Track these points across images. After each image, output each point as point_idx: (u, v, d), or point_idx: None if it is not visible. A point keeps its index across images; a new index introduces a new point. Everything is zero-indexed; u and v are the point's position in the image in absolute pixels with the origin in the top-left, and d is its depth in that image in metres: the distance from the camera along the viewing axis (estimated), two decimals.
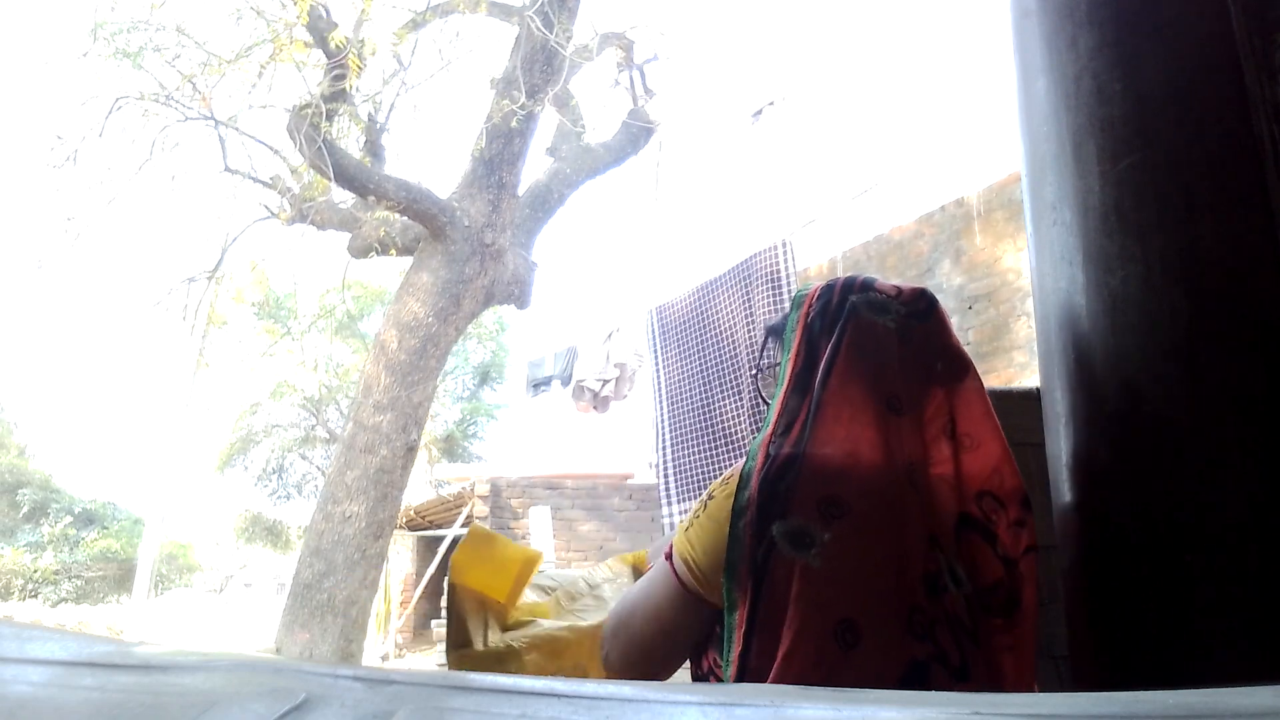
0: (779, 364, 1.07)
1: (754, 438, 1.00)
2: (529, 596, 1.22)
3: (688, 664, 1.17)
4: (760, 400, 1.18)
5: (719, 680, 0.96)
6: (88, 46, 5.76)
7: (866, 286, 1.01)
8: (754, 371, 1.27)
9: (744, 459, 0.96)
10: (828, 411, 0.93)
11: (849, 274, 1.06)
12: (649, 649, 1.03)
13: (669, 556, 1.00)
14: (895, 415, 0.94)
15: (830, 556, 0.86)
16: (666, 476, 5.09)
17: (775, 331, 1.13)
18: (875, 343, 0.97)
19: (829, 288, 1.03)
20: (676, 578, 0.98)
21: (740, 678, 0.88)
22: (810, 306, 1.02)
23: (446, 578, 1.21)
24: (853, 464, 0.91)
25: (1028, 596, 0.92)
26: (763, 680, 0.86)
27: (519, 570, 1.22)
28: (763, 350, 1.17)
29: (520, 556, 1.23)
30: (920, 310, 1.00)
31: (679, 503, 4.98)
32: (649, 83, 7.25)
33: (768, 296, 4.59)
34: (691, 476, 4.88)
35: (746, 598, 0.89)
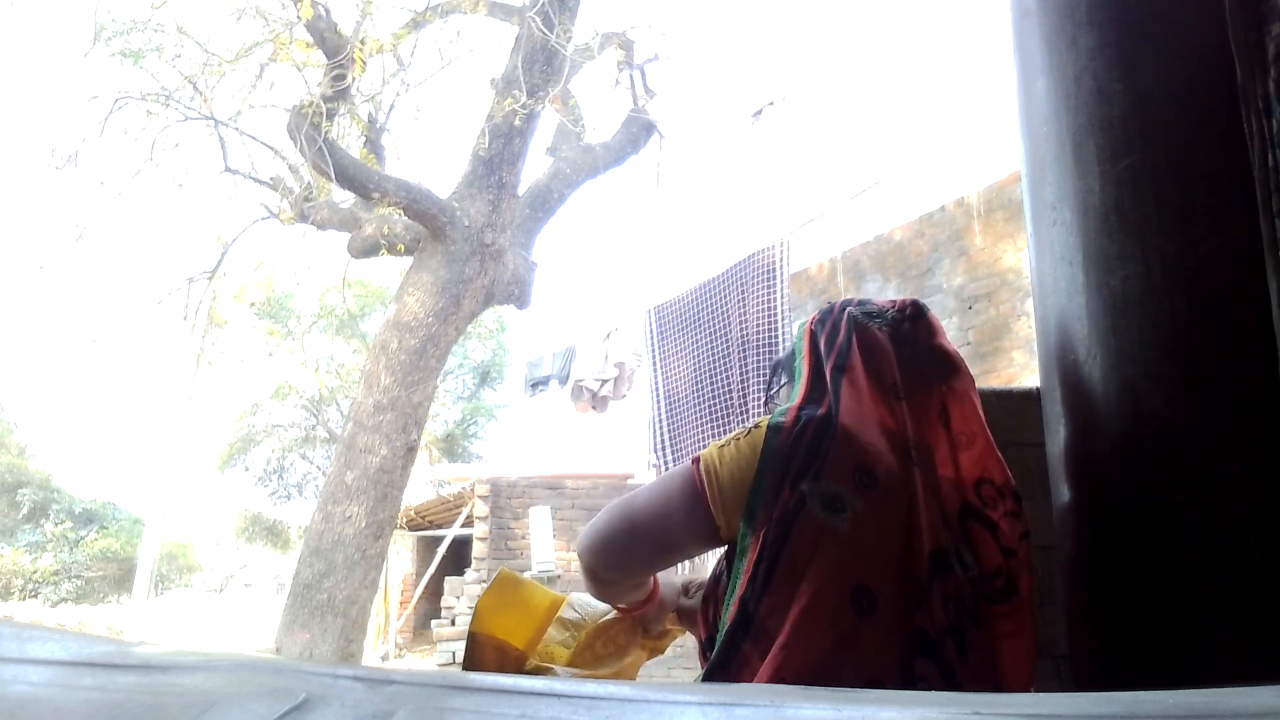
0: (785, 385, 1.17)
1: (776, 407, 1.05)
2: (553, 635, 1.20)
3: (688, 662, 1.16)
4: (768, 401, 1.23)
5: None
6: (89, 47, 5.76)
7: (862, 302, 1.12)
8: (764, 399, 1.31)
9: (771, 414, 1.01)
10: (847, 392, 0.99)
11: (852, 288, 1.14)
12: (639, 528, 1.02)
13: (695, 461, 1.01)
14: (897, 401, 1.01)
15: (858, 524, 0.91)
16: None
17: (780, 364, 1.22)
18: (875, 344, 1.05)
19: (829, 305, 1.13)
20: (698, 482, 0.99)
21: (744, 624, 0.90)
22: (813, 323, 1.12)
23: (469, 625, 1.19)
24: (876, 439, 0.96)
25: (1024, 583, 0.96)
26: (768, 631, 0.88)
27: (544, 616, 1.19)
28: (770, 383, 1.24)
29: (547, 602, 1.21)
30: (910, 316, 1.09)
31: None
32: (649, 83, 7.25)
33: (761, 294, 4.59)
34: None
35: (758, 545, 0.92)
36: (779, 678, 0.86)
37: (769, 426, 0.97)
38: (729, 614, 0.92)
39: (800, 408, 0.99)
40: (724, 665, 0.90)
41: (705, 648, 1.04)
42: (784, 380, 1.18)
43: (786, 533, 0.91)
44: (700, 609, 1.07)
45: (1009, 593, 0.95)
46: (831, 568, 0.89)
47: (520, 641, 1.17)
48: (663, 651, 1.29)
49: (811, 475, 0.92)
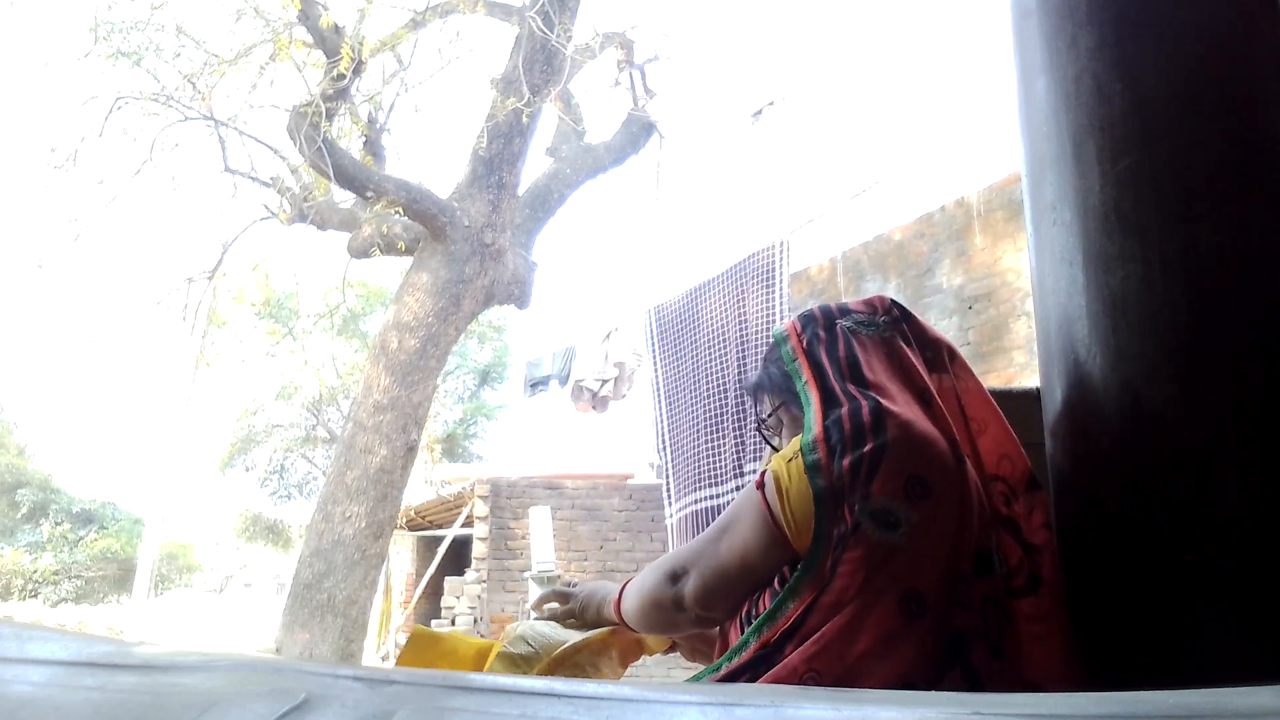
0: (779, 406, 1.11)
1: (770, 432, 1.05)
2: (499, 670, 1.12)
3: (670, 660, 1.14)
4: (768, 446, 1.18)
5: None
6: (88, 46, 5.76)
7: (845, 311, 1.07)
8: (755, 424, 1.26)
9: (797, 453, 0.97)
10: (883, 399, 0.95)
11: (821, 304, 1.12)
12: (731, 576, 1.01)
13: (760, 485, 0.99)
14: (929, 406, 0.99)
15: (914, 535, 0.89)
16: (667, 476, 5.08)
17: (760, 387, 1.16)
18: (882, 349, 1.03)
19: (809, 317, 1.07)
20: (766, 505, 0.98)
21: (781, 647, 0.88)
22: (800, 335, 1.06)
23: None
24: (930, 443, 0.94)
25: (1048, 578, 0.95)
26: (808, 632, 0.87)
27: (470, 665, 1.14)
28: (757, 408, 1.19)
29: (472, 651, 1.16)
30: (897, 316, 1.08)
31: (678, 500, 4.97)
32: (649, 83, 7.25)
33: (760, 294, 4.60)
34: (690, 475, 4.87)
35: (817, 588, 0.90)
36: (809, 667, 0.85)
37: (808, 467, 0.94)
38: (775, 626, 0.90)
39: (825, 434, 0.94)
40: (755, 668, 0.89)
41: (743, 624, 1.01)
42: (778, 401, 1.11)
43: (840, 554, 0.89)
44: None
45: (1032, 587, 0.94)
46: (886, 580, 0.87)
47: None
48: (635, 660, 1.24)
49: (860, 495, 0.89)
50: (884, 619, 0.86)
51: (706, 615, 1.05)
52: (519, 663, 1.13)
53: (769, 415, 1.15)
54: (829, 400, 0.97)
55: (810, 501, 0.93)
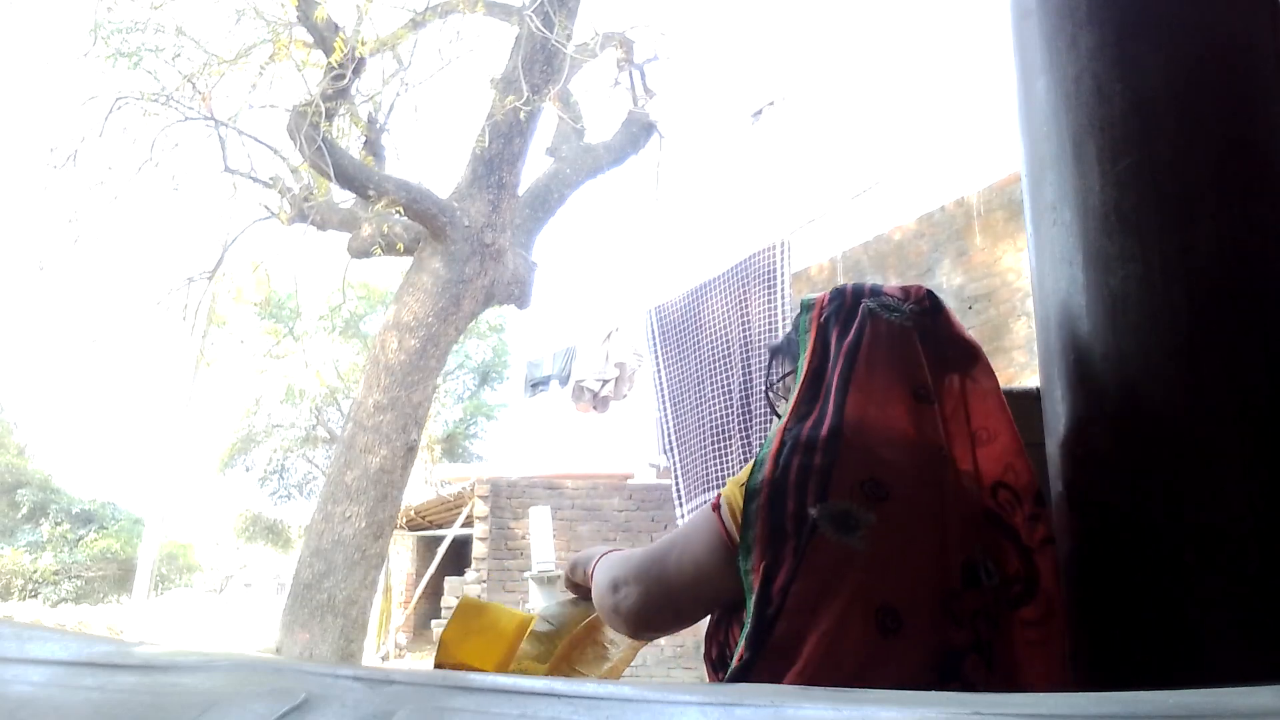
0: (789, 374, 1.10)
1: (778, 397, 1.04)
2: (526, 651, 1.17)
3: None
4: (771, 411, 1.17)
5: (729, 655, 0.94)
6: (87, 47, 5.76)
7: (876, 291, 1.05)
8: (764, 387, 1.25)
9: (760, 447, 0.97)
10: (856, 396, 0.94)
11: (855, 281, 1.10)
12: (676, 594, 1.00)
13: (716, 506, 0.98)
14: (923, 404, 0.97)
15: (875, 540, 0.87)
16: (676, 477, 5.09)
17: (779, 350, 1.15)
18: (895, 338, 1.00)
19: (840, 292, 1.06)
20: (722, 525, 0.96)
21: (757, 657, 0.87)
22: (822, 309, 1.05)
23: (434, 658, 1.17)
24: (891, 446, 0.92)
25: (1046, 586, 0.93)
26: (787, 659, 0.85)
27: (513, 637, 1.17)
28: (769, 369, 1.18)
29: (515, 623, 1.19)
30: (929, 307, 1.05)
31: (688, 502, 4.98)
32: (649, 83, 7.26)
33: (762, 295, 4.61)
34: (698, 476, 4.88)
35: (760, 579, 0.88)
36: None
37: (757, 462, 0.93)
38: (739, 651, 0.89)
39: (786, 428, 0.94)
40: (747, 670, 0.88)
41: (716, 668, 1.00)
42: (788, 369, 1.11)
43: (800, 559, 0.87)
44: (709, 630, 1.04)
45: (1028, 596, 0.93)
46: (852, 590, 0.85)
47: (489, 665, 1.15)
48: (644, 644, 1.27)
49: (817, 496, 0.88)
50: (860, 638, 0.84)
51: (641, 630, 1.06)
52: (543, 640, 1.18)
53: (779, 380, 1.14)
54: (810, 388, 0.97)
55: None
